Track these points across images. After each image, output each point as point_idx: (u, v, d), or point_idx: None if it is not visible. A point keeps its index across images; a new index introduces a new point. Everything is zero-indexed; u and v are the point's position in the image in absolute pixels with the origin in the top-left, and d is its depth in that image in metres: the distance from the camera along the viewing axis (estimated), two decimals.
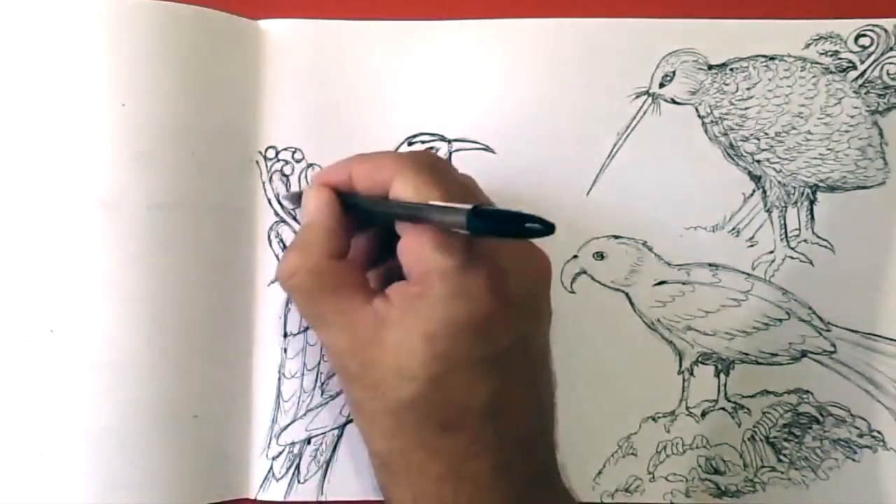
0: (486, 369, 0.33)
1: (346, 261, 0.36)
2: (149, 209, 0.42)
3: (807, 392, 0.43)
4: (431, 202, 0.32)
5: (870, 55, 0.43)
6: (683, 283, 0.43)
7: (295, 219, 0.44)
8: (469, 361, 0.33)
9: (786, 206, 0.43)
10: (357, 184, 0.37)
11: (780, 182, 0.43)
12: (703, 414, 0.43)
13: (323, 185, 0.37)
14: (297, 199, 0.42)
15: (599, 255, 0.43)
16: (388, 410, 0.33)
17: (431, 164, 0.35)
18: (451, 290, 0.32)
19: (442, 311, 0.32)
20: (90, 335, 0.41)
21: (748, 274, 0.43)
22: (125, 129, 0.41)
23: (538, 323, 0.36)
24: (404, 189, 0.34)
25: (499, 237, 0.32)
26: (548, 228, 0.28)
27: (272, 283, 0.43)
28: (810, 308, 0.43)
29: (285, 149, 0.44)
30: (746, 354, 0.43)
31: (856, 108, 0.43)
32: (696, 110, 0.44)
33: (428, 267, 0.33)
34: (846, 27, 0.44)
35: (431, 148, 0.44)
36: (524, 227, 0.29)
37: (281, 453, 0.43)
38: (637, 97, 0.44)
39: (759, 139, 0.43)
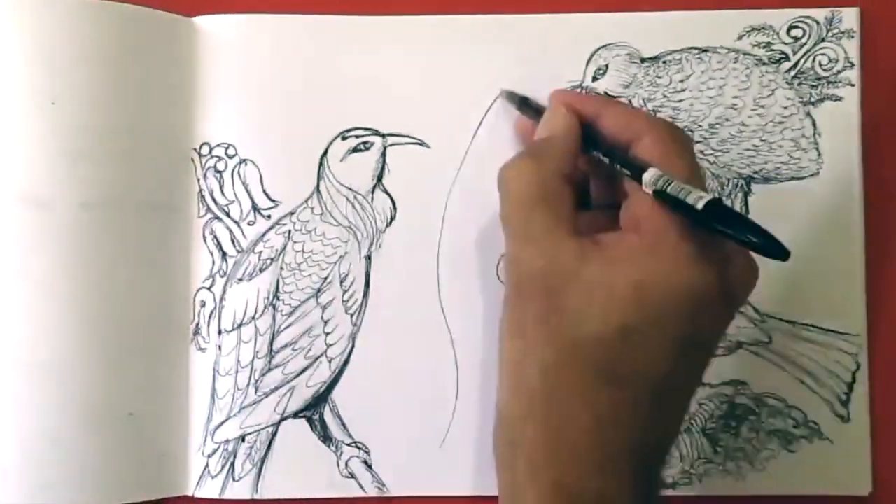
0: (673, 349, 0.31)
1: (572, 188, 0.35)
2: (81, 208, 0.41)
3: (742, 383, 0.43)
4: (673, 179, 0.32)
5: (802, 46, 0.43)
6: None
7: (228, 215, 0.43)
8: (663, 331, 0.31)
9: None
10: (605, 123, 0.36)
11: (714, 174, 0.43)
12: None
13: (570, 109, 0.37)
14: (523, 103, 0.41)
15: None
16: (556, 344, 0.32)
17: (683, 138, 0.35)
18: (688, 256, 0.31)
19: (667, 270, 0.31)
20: (22, 335, 0.41)
21: None
22: (55, 127, 0.41)
23: (724, 331, 0.35)
24: (652, 149, 0.34)
25: (727, 237, 0.30)
26: (783, 254, 0.29)
27: (207, 279, 0.43)
28: None
29: (219, 145, 0.43)
30: None
31: (789, 99, 0.43)
32: (630, 103, 0.44)
33: (667, 226, 0.32)
34: (778, 18, 0.44)
35: (366, 143, 0.44)
36: (758, 242, 0.29)
37: (216, 451, 0.43)
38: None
39: (692, 131, 0.43)
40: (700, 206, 0.30)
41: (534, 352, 0.33)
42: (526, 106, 0.41)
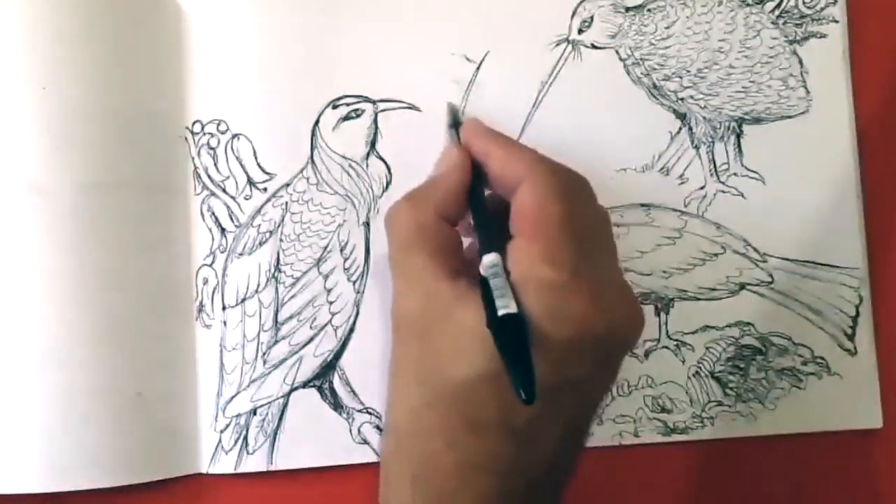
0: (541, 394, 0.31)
1: (452, 228, 0.35)
2: (78, 192, 0.41)
3: (748, 324, 0.43)
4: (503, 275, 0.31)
5: None
6: (617, 226, 0.43)
7: (224, 191, 0.43)
8: None
9: (713, 142, 0.44)
10: (491, 165, 0.36)
11: (705, 118, 0.44)
12: (647, 353, 0.43)
13: (465, 150, 0.37)
14: (452, 125, 0.41)
15: None
16: (425, 385, 0.32)
17: (565, 183, 0.34)
18: (544, 307, 0.31)
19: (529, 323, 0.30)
20: (27, 321, 0.41)
21: (681, 211, 0.43)
22: (47, 112, 0.41)
23: (606, 378, 0.35)
24: (526, 198, 0.33)
25: (501, 356, 0.30)
26: (528, 397, 0.28)
27: (207, 256, 0.43)
28: (745, 240, 0.43)
29: (210, 121, 0.43)
30: (685, 291, 0.43)
31: (774, 38, 0.44)
32: (617, 53, 0.44)
33: (529, 274, 0.31)
34: None
35: (357, 110, 0.44)
36: (518, 378, 0.28)
37: (228, 426, 0.43)
38: (557, 45, 0.44)
39: (681, 77, 0.43)
40: (499, 314, 0.29)
41: (406, 392, 0.34)
42: (453, 128, 0.41)
